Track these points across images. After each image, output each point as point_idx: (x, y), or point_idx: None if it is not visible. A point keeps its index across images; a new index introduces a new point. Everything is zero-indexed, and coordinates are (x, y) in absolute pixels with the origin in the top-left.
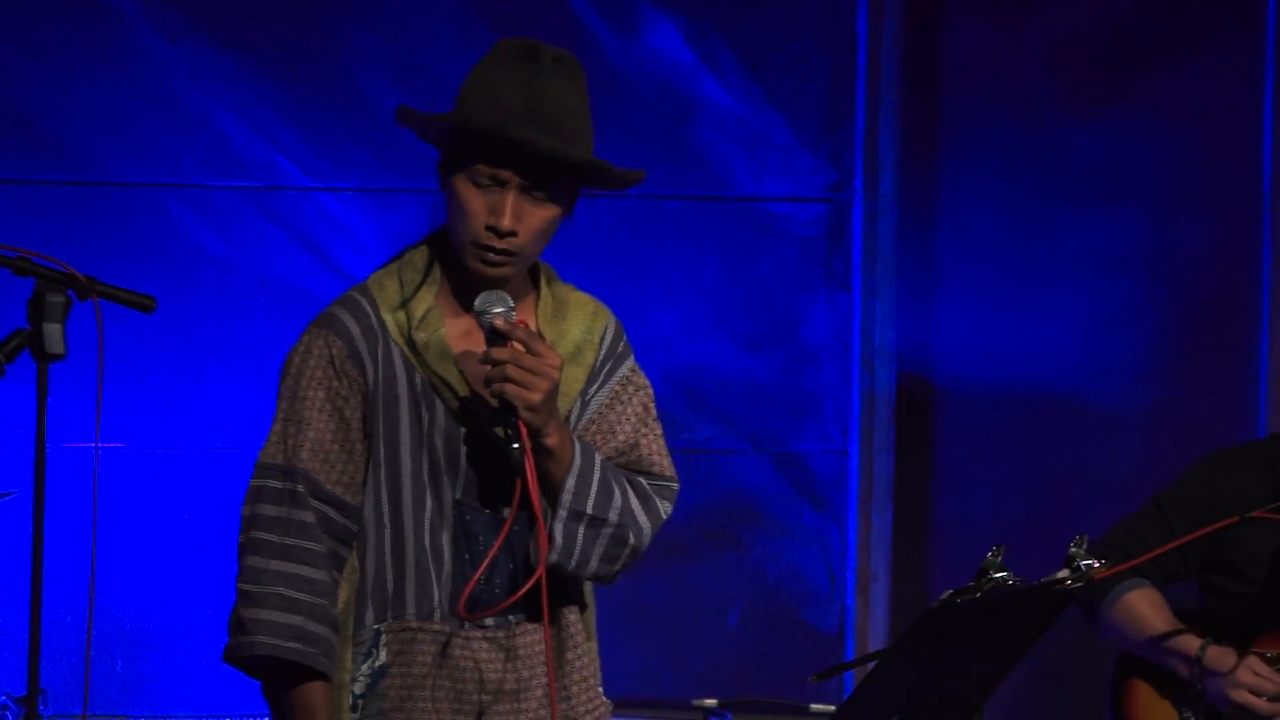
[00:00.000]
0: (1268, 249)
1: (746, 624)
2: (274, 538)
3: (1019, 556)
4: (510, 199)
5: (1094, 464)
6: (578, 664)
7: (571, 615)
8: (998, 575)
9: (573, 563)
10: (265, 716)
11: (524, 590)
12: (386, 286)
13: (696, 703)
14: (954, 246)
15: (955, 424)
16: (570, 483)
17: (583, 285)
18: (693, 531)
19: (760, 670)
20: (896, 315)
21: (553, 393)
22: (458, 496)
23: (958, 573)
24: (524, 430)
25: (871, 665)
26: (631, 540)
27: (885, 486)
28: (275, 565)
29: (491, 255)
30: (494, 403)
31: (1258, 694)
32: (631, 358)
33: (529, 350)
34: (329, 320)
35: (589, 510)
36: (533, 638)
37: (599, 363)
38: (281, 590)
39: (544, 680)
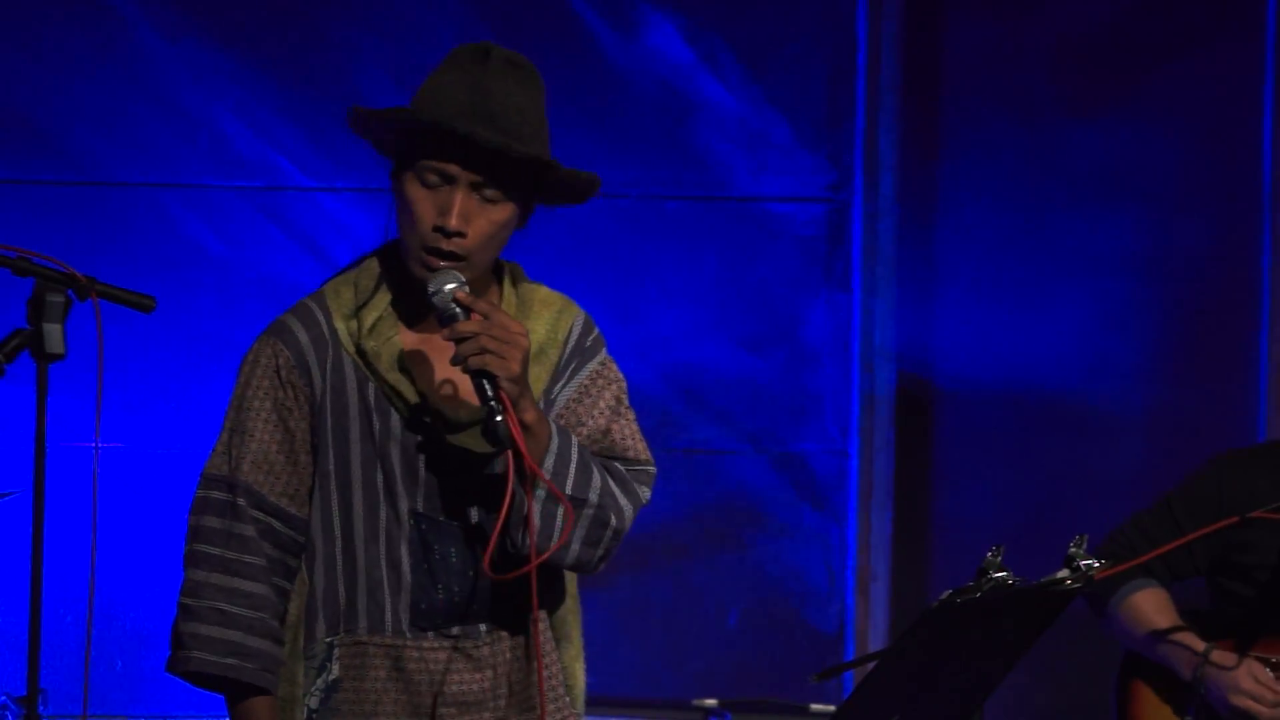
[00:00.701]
0: (1268, 249)
1: (746, 624)
2: (215, 550)
3: (1019, 556)
4: (459, 197)
5: (1094, 464)
6: (542, 673)
7: (540, 624)
8: (998, 575)
9: (552, 544)
10: None
11: (534, 564)
12: (342, 293)
13: (696, 703)
14: (954, 246)
15: (955, 424)
16: (549, 462)
17: (583, 285)
18: (693, 531)
19: (760, 670)
20: (896, 315)
21: (526, 362)
22: (416, 507)
23: (958, 573)
24: (507, 400)
25: (871, 665)
26: (613, 522)
27: (885, 486)
28: (215, 579)
29: (436, 260)
30: (441, 409)
31: (1257, 701)
32: (603, 352)
33: (490, 320)
34: (279, 329)
35: (569, 490)
36: (499, 646)
37: (564, 360)
38: (220, 605)
39: (505, 689)
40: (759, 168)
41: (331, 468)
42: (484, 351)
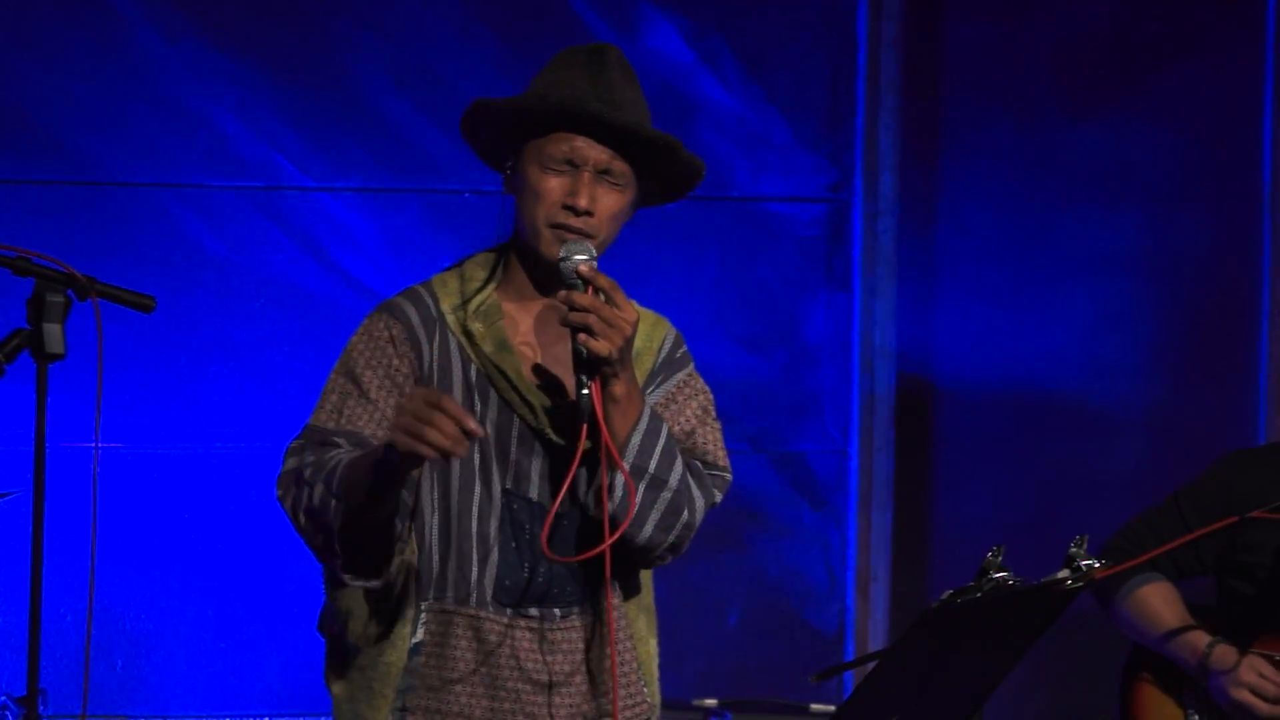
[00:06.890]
0: (1268, 249)
1: (746, 624)
2: (306, 470)
3: (1019, 556)
4: (586, 178)
5: (1094, 464)
6: (617, 659)
7: (614, 611)
8: (998, 575)
9: (628, 519)
10: (265, 716)
11: (601, 549)
12: (448, 283)
13: (696, 703)
14: (954, 246)
15: (955, 424)
16: (635, 440)
17: None
18: None
19: (760, 670)
20: (896, 315)
21: (627, 348)
22: (506, 486)
23: (958, 573)
24: (597, 381)
25: (871, 665)
26: (685, 514)
27: (885, 486)
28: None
29: (568, 234)
30: (536, 395)
31: (1258, 694)
32: (691, 366)
33: (608, 300)
34: (389, 306)
35: (651, 469)
36: (574, 633)
37: (656, 367)
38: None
39: (584, 675)
40: (759, 168)
41: None
42: (587, 328)
